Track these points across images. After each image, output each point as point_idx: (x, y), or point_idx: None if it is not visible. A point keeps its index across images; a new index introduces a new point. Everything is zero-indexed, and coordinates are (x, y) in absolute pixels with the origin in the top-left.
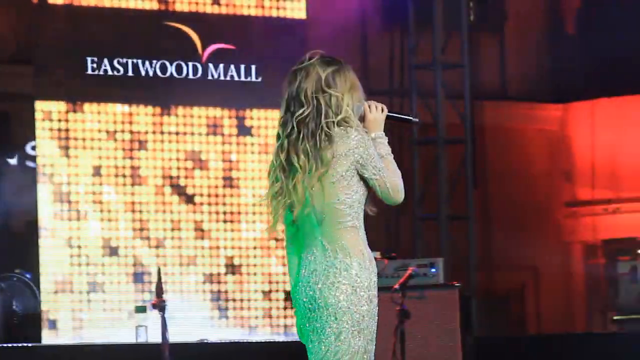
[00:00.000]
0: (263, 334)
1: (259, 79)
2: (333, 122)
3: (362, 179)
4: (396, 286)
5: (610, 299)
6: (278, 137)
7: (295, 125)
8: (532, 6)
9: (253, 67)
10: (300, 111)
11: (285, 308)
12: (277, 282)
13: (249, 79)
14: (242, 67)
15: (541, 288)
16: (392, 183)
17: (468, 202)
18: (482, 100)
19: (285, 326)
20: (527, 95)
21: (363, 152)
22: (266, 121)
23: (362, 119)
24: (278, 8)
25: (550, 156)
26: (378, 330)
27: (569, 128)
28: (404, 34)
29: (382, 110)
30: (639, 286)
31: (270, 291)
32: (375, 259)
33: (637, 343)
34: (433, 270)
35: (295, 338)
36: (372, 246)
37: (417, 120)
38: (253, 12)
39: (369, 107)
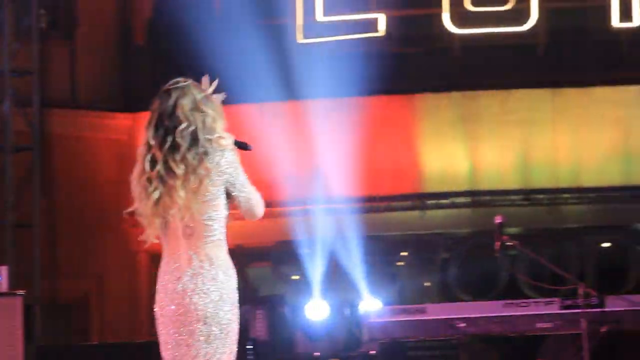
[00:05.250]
0: None
1: None
2: (210, 139)
3: (229, 197)
4: None
5: None
6: (149, 147)
7: (173, 138)
8: (102, 15)
9: None
10: (183, 126)
11: None
12: None
13: None
14: None
15: (106, 297)
16: (255, 199)
17: (34, 210)
18: (51, 108)
19: None
20: (97, 103)
21: (233, 171)
22: None
23: None
24: None
25: (119, 165)
26: None
27: (139, 137)
28: None
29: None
30: None
31: None
32: None
33: None
34: None
35: None
36: None
37: (251, 147)
38: None
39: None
